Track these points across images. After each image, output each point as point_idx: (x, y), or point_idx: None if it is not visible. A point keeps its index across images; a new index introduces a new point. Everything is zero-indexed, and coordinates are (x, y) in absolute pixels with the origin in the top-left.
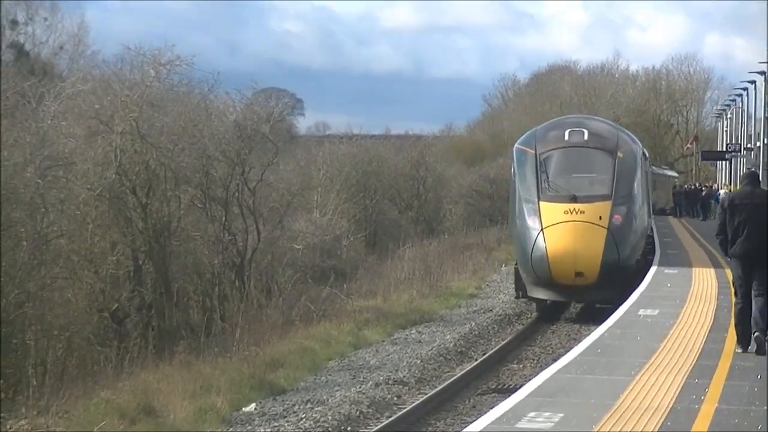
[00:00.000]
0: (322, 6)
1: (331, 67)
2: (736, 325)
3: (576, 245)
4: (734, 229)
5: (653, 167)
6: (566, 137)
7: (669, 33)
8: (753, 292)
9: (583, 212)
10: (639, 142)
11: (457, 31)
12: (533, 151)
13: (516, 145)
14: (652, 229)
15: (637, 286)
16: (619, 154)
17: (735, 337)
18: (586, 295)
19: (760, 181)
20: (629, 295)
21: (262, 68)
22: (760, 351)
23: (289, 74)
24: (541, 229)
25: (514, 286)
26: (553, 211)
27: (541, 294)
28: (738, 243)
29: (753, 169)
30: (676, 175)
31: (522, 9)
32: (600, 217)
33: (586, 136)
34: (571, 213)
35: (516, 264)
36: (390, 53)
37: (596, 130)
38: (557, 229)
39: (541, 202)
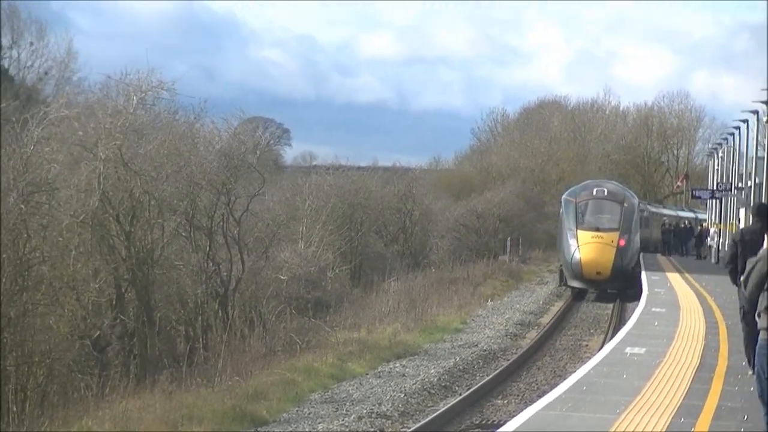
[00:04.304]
0: (303, 35)
1: (314, 97)
2: (746, 348)
3: (597, 256)
4: (744, 262)
5: (651, 206)
6: (594, 193)
7: (655, 70)
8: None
9: (602, 237)
10: (636, 196)
11: (441, 62)
12: (574, 200)
13: (564, 196)
14: (639, 260)
15: (632, 283)
16: (625, 204)
17: (722, 377)
18: (602, 285)
19: None
20: (629, 286)
21: (243, 96)
22: None
23: (270, 103)
24: (578, 246)
25: (558, 278)
26: (585, 235)
27: (575, 284)
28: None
29: (765, 203)
30: (704, 217)
31: (505, 42)
32: (612, 241)
33: (605, 192)
34: (596, 237)
35: (560, 266)
36: (373, 83)
37: (612, 189)
38: (587, 246)
39: (578, 230)
